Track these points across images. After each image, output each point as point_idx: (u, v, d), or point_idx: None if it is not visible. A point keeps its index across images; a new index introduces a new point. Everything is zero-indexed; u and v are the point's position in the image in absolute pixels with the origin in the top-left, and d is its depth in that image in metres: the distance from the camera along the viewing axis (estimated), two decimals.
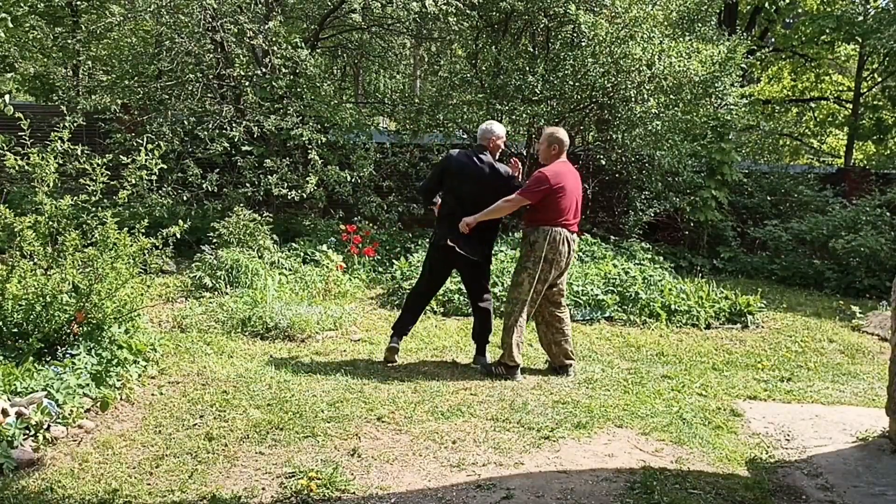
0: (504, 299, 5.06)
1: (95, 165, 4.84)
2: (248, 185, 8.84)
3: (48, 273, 4.58)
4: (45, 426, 3.68)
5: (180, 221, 4.85)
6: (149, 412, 4.18)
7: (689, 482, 3.49)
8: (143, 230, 4.81)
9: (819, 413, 4.59)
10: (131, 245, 4.67)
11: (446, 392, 4.67)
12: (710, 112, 9.94)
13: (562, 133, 5.02)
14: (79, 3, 10.93)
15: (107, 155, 5.15)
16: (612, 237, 9.55)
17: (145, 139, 5.42)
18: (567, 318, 5.17)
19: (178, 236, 4.87)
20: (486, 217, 4.98)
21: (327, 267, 7.54)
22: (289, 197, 8.61)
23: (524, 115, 9.35)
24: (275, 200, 9.16)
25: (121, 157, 5.56)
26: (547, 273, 4.88)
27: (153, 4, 9.03)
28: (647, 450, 3.88)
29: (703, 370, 5.47)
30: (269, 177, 8.65)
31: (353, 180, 8.97)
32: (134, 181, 4.88)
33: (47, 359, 4.31)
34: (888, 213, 9.73)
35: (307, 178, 8.55)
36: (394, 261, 8.21)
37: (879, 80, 17.49)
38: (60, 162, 4.90)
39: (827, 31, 15.01)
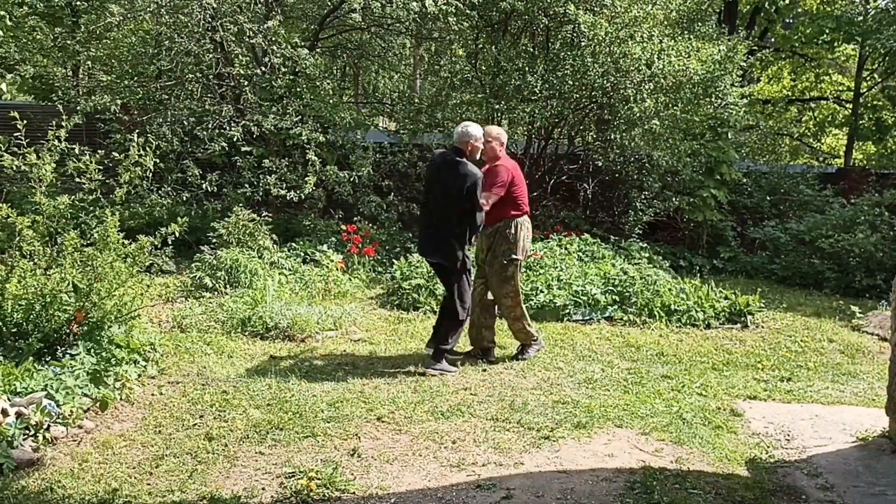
0: (497, 296, 5.35)
1: (88, 163, 4.83)
2: (247, 185, 8.84)
3: (48, 273, 4.58)
4: (44, 426, 3.69)
5: (178, 219, 4.84)
6: (149, 412, 4.18)
7: (689, 482, 3.49)
8: (142, 229, 4.80)
9: (819, 413, 4.59)
10: (130, 244, 4.67)
11: (446, 392, 4.67)
12: (709, 112, 9.93)
13: (503, 130, 5.46)
14: (79, 3, 10.90)
15: (99, 152, 5.12)
16: (612, 237, 9.54)
17: (136, 135, 5.39)
18: None
19: (178, 236, 4.87)
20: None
21: (327, 267, 7.54)
22: (288, 197, 8.61)
23: (524, 115, 9.34)
24: (274, 200, 9.16)
25: (118, 155, 5.54)
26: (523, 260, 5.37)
27: (153, 4, 9.01)
28: (647, 450, 3.88)
29: (703, 370, 5.47)
30: (268, 177, 8.65)
31: (351, 180, 8.97)
32: (128, 177, 4.87)
33: (47, 359, 4.31)
34: (887, 213, 9.71)
35: (306, 179, 8.55)
36: (394, 261, 8.20)
37: (879, 80, 17.49)
38: (61, 160, 4.89)
39: (827, 31, 15.01)
